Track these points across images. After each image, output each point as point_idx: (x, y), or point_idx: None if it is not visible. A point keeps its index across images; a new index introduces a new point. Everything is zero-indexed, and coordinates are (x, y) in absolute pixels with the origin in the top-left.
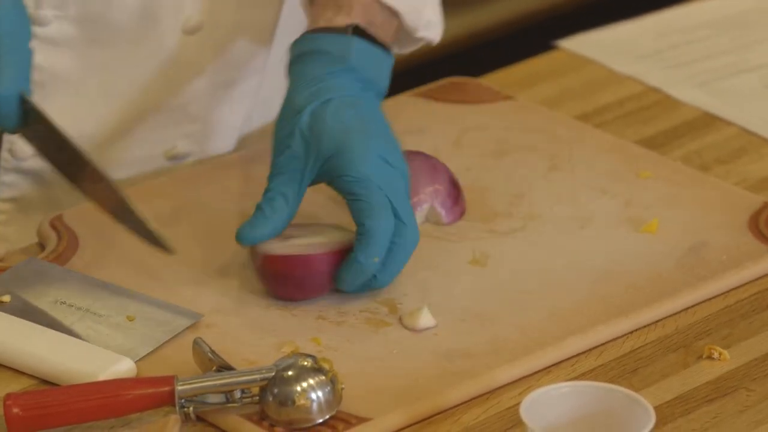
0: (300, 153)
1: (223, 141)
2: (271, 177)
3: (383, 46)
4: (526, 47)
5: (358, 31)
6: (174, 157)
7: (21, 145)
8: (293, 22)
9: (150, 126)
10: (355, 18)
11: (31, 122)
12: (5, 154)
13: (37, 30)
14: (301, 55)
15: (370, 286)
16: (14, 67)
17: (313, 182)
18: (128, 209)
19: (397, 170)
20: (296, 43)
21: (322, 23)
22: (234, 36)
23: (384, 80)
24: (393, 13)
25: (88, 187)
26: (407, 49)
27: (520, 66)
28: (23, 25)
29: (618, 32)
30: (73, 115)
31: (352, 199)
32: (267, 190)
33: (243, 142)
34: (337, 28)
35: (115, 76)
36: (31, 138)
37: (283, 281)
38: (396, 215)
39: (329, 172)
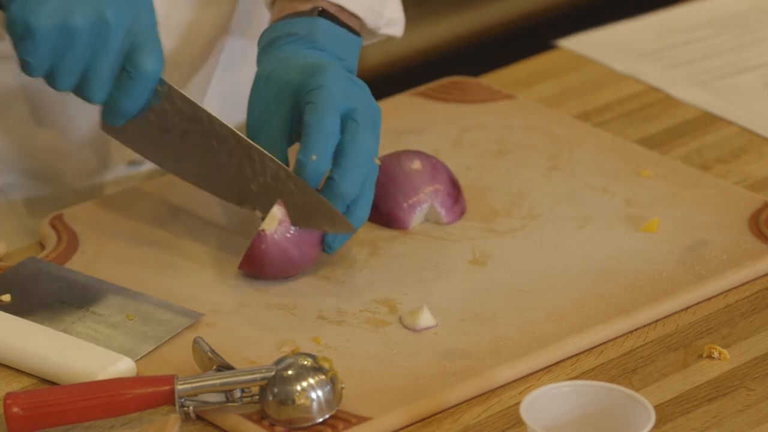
0: (273, 103)
1: None
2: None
3: (350, 29)
4: (526, 47)
5: (324, 14)
6: (133, 163)
7: None
8: (246, 17)
9: (106, 136)
10: (320, 3)
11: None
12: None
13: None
14: (269, 42)
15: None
16: (159, 48)
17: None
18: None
19: (360, 87)
20: (264, 33)
21: (288, 11)
22: (187, 36)
23: (353, 60)
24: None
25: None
26: (370, 42)
27: (520, 65)
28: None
29: (618, 31)
30: (27, 137)
31: (306, 104)
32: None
33: None
34: (302, 11)
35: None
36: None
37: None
38: (351, 116)
39: (300, 99)
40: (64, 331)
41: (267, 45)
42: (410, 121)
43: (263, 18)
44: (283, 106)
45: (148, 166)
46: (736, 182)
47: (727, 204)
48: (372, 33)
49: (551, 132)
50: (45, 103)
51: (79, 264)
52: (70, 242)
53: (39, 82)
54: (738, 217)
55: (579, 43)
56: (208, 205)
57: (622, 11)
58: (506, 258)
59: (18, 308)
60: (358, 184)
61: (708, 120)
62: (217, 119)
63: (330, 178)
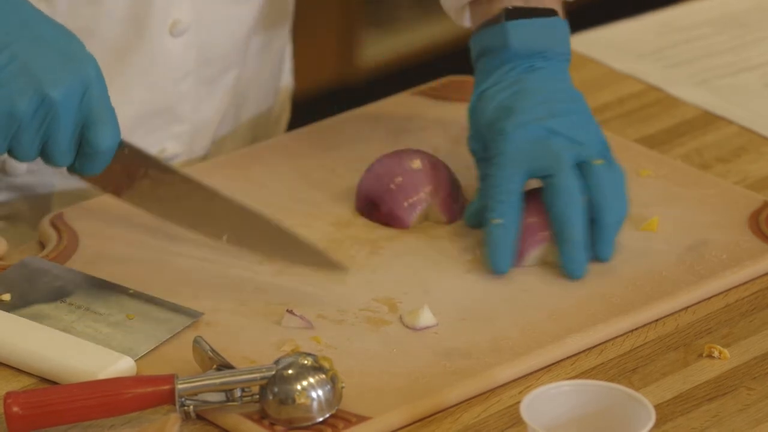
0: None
1: (205, 140)
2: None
3: (547, 14)
4: None
5: (513, 13)
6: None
7: (13, 162)
8: (271, 10)
9: (140, 131)
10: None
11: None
12: None
13: None
14: (476, 58)
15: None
16: (113, 119)
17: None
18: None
19: (561, 136)
20: (471, 42)
21: (482, 18)
22: (218, 33)
23: (560, 45)
24: None
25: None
26: None
27: None
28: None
29: (618, 31)
30: None
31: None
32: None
33: (220, 143)
34: (491, 19)
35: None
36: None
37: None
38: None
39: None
40: (64, 330)
41: (474, 61)
42: (410, 120)
43: (282, 11)
44: (481, 142)
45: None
46: (736, 182)
47: (727, 203)
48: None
49: None
50: None
51: (79, 263)
52: (70, 241)
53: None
54: (738, 216)
55: (579, 43)
56: None
57: (622, 10)
58: None
59: (18, 307)
60: (581, 230)
61: (708, 119)
62: (181, 172)
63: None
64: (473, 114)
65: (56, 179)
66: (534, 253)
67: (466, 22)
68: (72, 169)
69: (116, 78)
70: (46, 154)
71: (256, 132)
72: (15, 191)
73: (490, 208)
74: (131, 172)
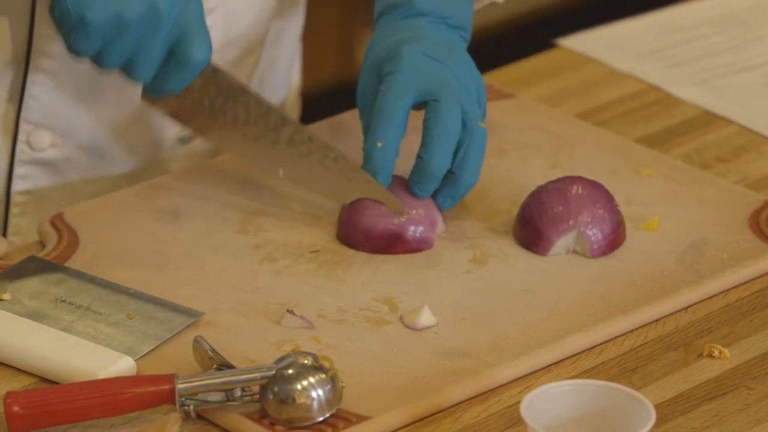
0: (368, 84)
1: None
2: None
3: None
4: (527, 45)
5: None
6: (185, 139)
7: (38, 136)
8: None
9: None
10: None
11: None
12: (22, 146)
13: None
14: (377, 16)
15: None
16: (207, 37)
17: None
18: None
19: (441, 63)
20: (376, 4)
21: None
22: (241, 14)
23: (463, 17)
24: None
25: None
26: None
27: (521, 64)
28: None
29: (618, 30)
30: (86, 109)
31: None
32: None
33: None
34: None
35: None
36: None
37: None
38: (430, 96)
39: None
40: (64, 330)
41: (376, 19)
42: (410, 120)
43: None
44: (375, 87)
45: (161, 150)
46: (737, 181)
47: (728, 203)
48: None
49: (551, 131)
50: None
51: (79, 263)
52: (70, 241)
53: None
54: (738, 216)
55: (579, 42)
56: (209, 204)
57: (623, 10)
58: (506, 257)
59: (18, 307)
60: (446, 159)
61: (708, 119)
62: (257, 96)
63: (419, 157)
64: (367, 54)
65: (79, 153)
66: (560, 243)
67: None
68: (152, 86)
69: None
70: (130, 65)
71: None
72: (39, 166)
73: (373, 128)
74: (204, 99)
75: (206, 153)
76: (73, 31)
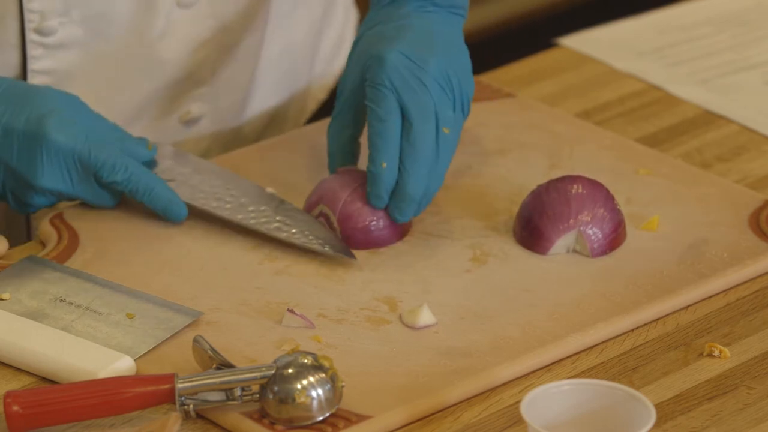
0: (352, 74)
1: (234, 97)
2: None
3: None
4: (527, 45)
5: None
6: (189, 122)
7: (47, 23)
8: None
9: (162, 99)
10: None
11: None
12: (33, 36)
13: (45, 40)
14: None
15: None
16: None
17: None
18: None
19: (418, 65)
20: None
21: None
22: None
23: None
24: None
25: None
26: None
27: (521, 63)
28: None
29: (619, 30)
30: (87, 103)
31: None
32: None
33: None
34: None
35: (121, 62)
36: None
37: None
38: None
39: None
40: (64, 329)
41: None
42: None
43: None
44: (357, 80)
45: (166, 133)
46: (737, 180)
47: (728, 202)
48: None
49: (552, 130)
50: (106, 60)
51: (79, 263)
52: (70, 241)
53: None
54: (738, 215)
55: (579, 42)
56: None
57: (623, 9)
58: (506, 256)
59: (18, 307)
60: (422, 184)
61: (708, 118)
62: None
63: (396, 183)
64: (355, 43)
65: None
66: (560, 242)
67: None
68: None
69: (133, 52)
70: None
71: (290, 108)
72: (53, 50)
73: (376, 148)
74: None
75: (208, 145)
76: None
